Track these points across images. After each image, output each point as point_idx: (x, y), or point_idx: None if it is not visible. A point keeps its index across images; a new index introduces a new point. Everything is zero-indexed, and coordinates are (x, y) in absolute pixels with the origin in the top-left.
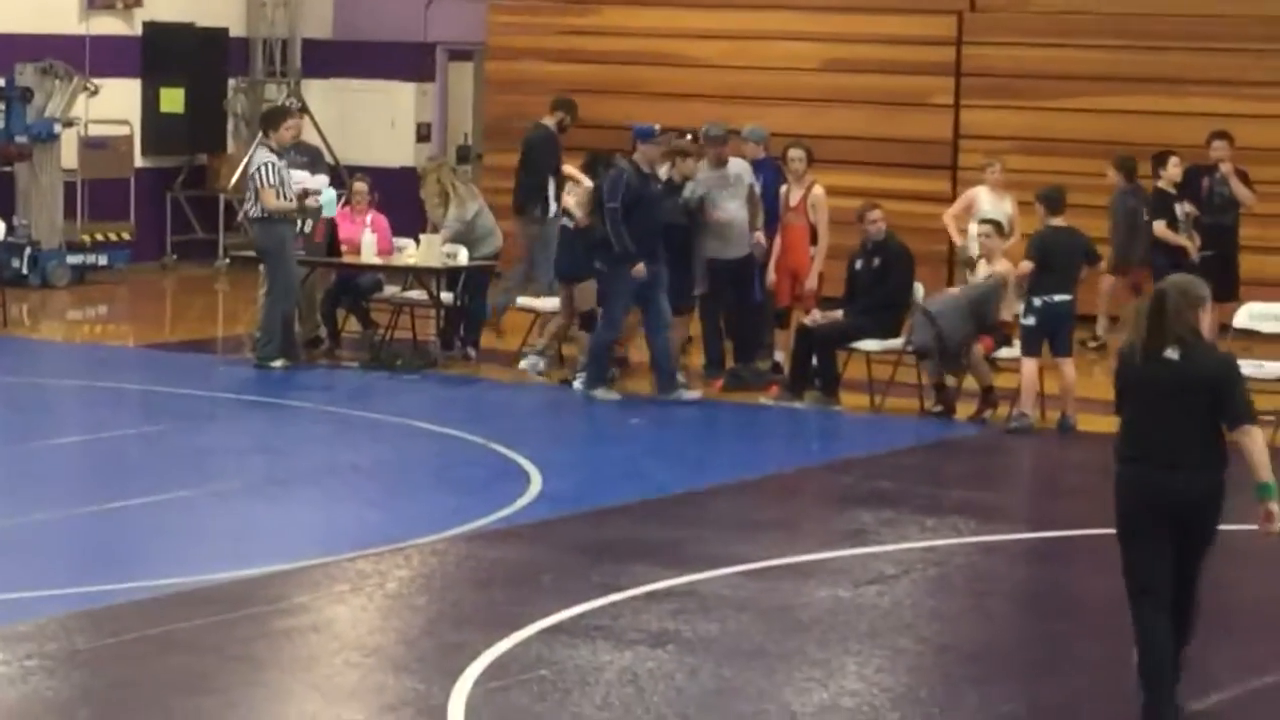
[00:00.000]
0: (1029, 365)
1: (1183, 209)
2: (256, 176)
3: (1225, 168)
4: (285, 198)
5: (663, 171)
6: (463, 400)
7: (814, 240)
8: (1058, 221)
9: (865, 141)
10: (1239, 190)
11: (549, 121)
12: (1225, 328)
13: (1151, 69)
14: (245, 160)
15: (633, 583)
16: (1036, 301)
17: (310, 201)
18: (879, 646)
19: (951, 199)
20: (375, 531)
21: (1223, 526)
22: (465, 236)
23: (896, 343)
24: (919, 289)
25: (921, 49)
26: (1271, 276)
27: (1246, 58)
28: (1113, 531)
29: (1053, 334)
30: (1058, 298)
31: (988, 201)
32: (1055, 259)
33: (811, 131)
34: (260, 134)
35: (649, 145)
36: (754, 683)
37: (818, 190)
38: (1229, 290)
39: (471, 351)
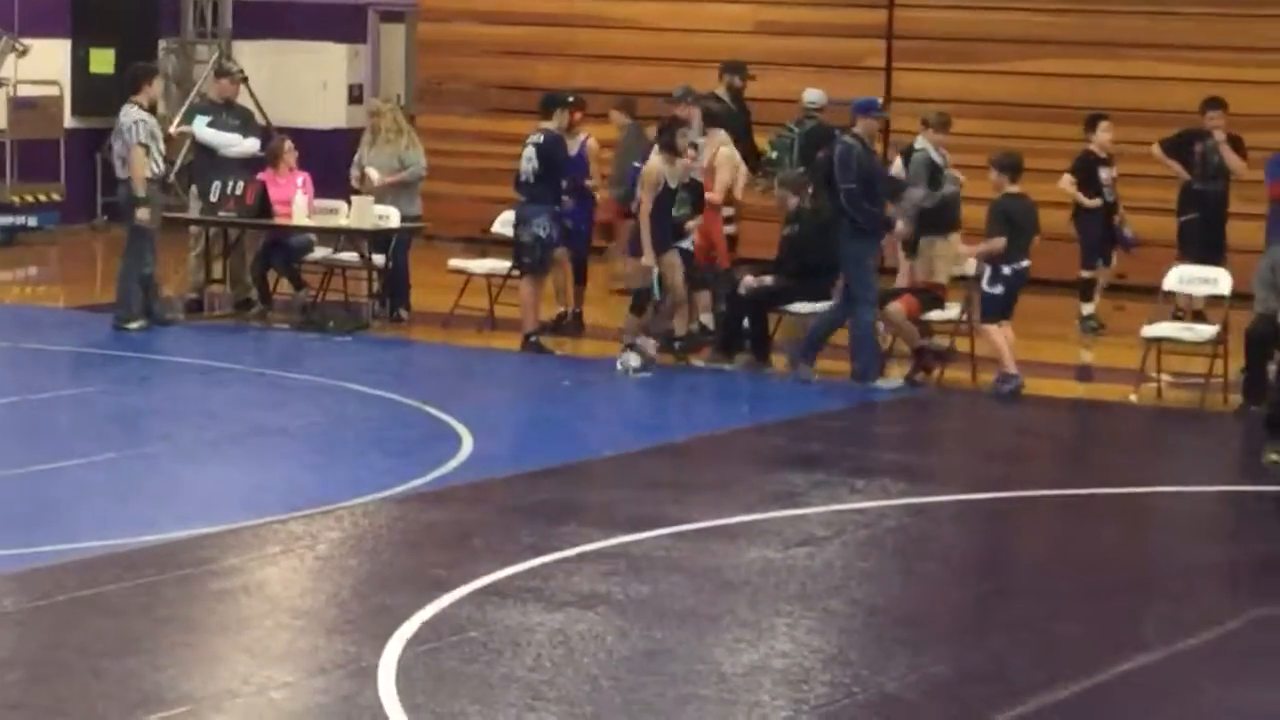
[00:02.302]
0: (998, 331)
1: (1110, 174)
2: (125, 137)
3: (1219, 135)
4: (156, 159)
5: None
6: (395, 362)
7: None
8: (1015, 188)
9: (797, 104)
10: (1230, 158)
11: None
12: (1091, 284)
13: (1085, 32)
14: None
15: (564, 544)
16: (1006, 270)
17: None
18: (809, 608)
19: (883, 161)
20: (306, 493)
21: (1147, 489)
22: (412, 187)
23: (825, 305)
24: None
25: (853, 11)
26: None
27: (1182, 21)
28: (1045, 493)
29: (1012, 300)
30: (1024, 264)
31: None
32: (1018, 226)
33: (746, 94)
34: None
35: (870, 119)
36: (684, 644)
37: (724, 151)
38: (1215, 255)
39: (403, 313)
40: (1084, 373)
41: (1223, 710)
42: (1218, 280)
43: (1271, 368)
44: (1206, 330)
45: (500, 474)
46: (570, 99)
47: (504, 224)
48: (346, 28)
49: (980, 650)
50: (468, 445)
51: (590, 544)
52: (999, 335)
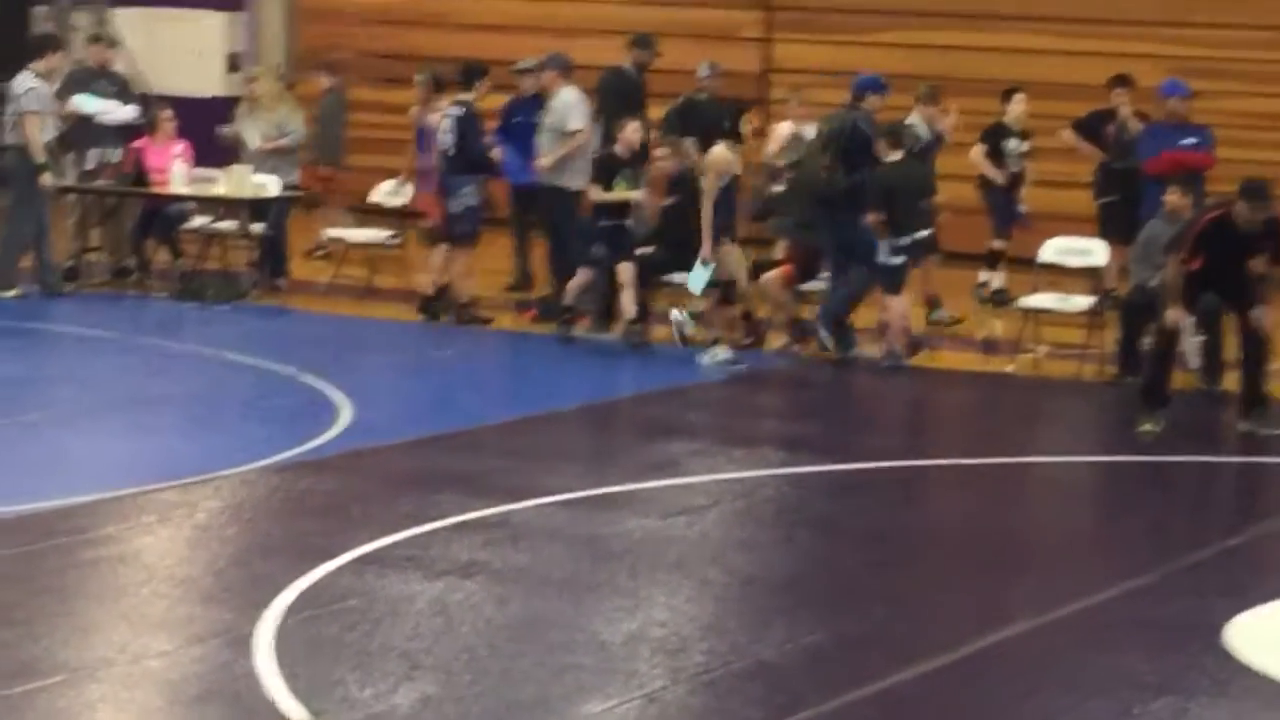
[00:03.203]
0: (899, 303)
1: (1018, 146)
2: (19, 104)
3: (1125, 111)
4: (49, 127)
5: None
6: (273, 331)
7: None
8: (894, 156)
9: (675, 74)
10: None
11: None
12: (999, 255)
13: (963, 4)
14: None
15: (443, 513)
16: (904, 240)
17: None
18: (687, 577)
19: (762, 133)
20: (184, 462)
21: (1025, 459)
22: (290, 155)
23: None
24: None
25: None
26: (1077, 211)
27: None
28: (922, 463)
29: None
30: (921, 234)
31: (786, 133)
32: (900, 196)
33: (624, 64)
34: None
35: (877, 96)
36: (563, 613)
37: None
38: (1135, 233)
39: (281, 282)
40: (970, 344)
41: (1095, 679)
42: (1094, 252)
43: (1146, 340)
44: (1082, 301)
45: (379, 443)
46: (485, 67)
47: (383, 194)
48: None
49: (857, 619)
50: (347, 414)
51: (469, 513)
52: (898, 307)
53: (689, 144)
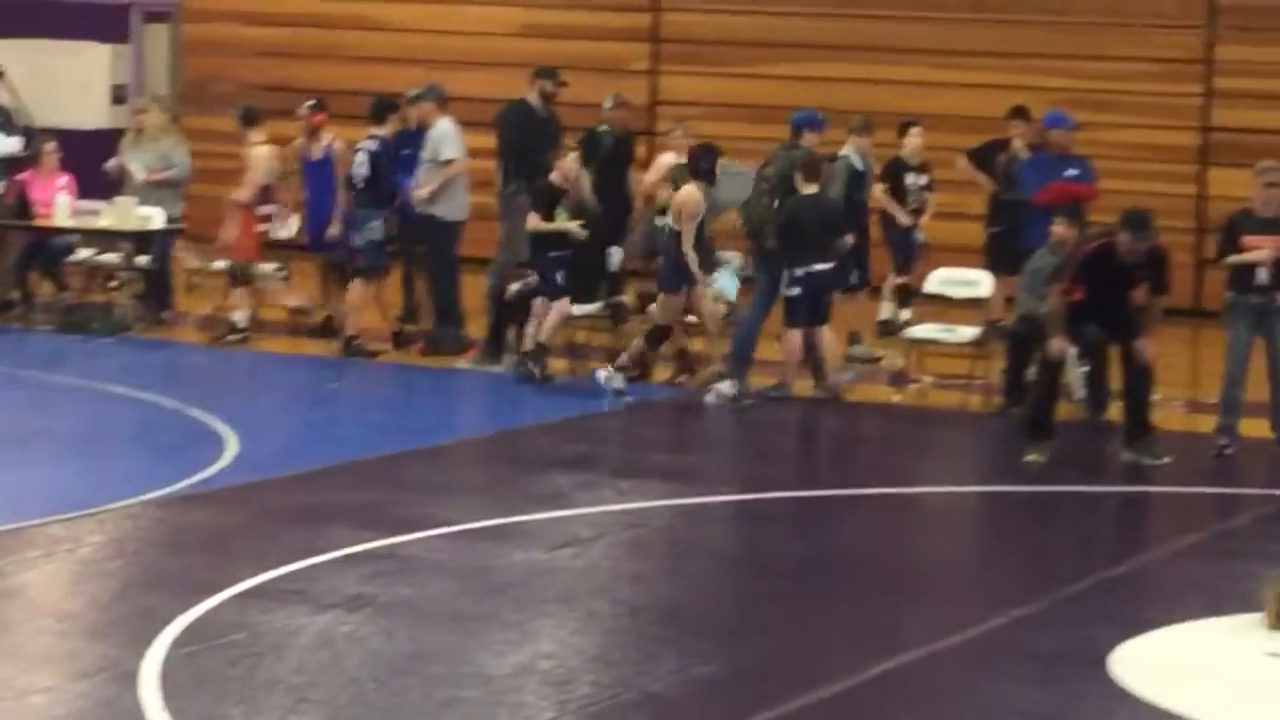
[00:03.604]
0: (794, 337)
1: (917, 180)
2: None
3: (1018, 144)
4: None
5: None
6: (158, 364)
7: None
8: (809, 189)
9: (564, 107)
10: None
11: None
12: (909, 290)
13: (851, 36)
14: None
15: (329, 546)
16: (799, 272)
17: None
18: (575, 609)
19: (647, 164)
20: (68, 496)
21: (912, 490)
22: (175, 188)
23: (593, 308)
24: (616, 253)
25: (619, 15)
26: (962, 242)
27: (947, 26)
28: (810, 494)
29: (815, 304)
30: (818, 268)
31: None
32: (803, 228)
33: (509, 96)
34: None
35: (814, 133)
36: (450, 645)
37: (336, 144)
38: (1021, 264)
39: (167, 315)
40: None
41: (984, 707)
42: (978, 283)
43: (1031, 370)
44: (968, 332)
45: (265, 476)
46: (396, 102)
47: (283, 226)
48: (109, 28)
49: (745, 650)
50: (233, 447)
51: (356, 546)
52: (790, 343)
53: (584, 177)
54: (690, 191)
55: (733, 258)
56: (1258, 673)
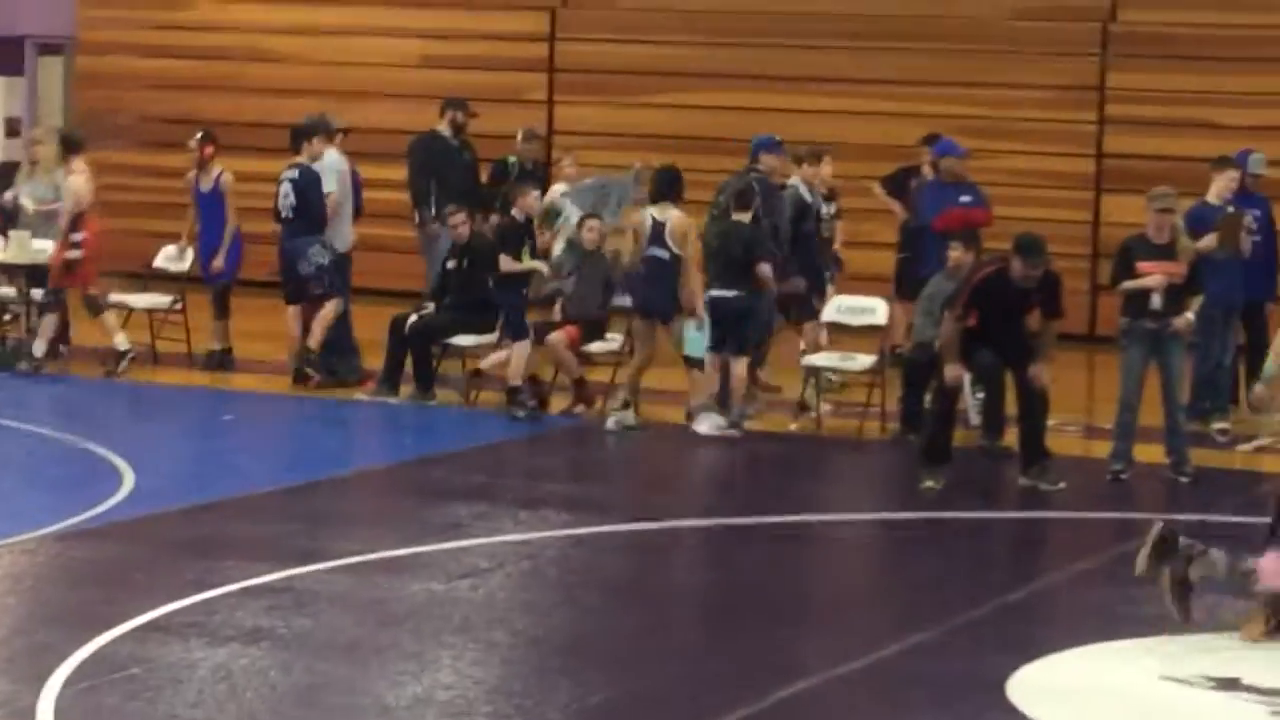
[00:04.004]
0: (710, 362)
1: (827, 209)
2: None
3: (927, 170)
4: None
5: None
6: (54, 398)
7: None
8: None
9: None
10: None
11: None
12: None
13: (743, 65)
14: None
15: (227, 579)
16: (706, 296)
17: None
18: (472, 639)
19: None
20: None
21: (810, 517)
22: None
23: (490, 338)
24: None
25: (516, 45)
26: (861, 270)
27: (839, 55)
28: (707, 522)
29: (726, 331)
30: (715, 293)
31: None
32: (716, 254)
33: (410, 127)
34: None
35: (772, 155)
36: (348, 677)
37: (225, 177)
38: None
39: (63, 349)
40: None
41: None
42: (875, 310)
43: (928, 396)
44: (864, 359)
45: (163, 509)
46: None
47: (166, 259)
48: (3, 60)
49: (642, 679)
50: (129, 481)
51: (254, 578)
52: (707, 369)
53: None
54: (683, 217)
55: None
56: (1154, 697)
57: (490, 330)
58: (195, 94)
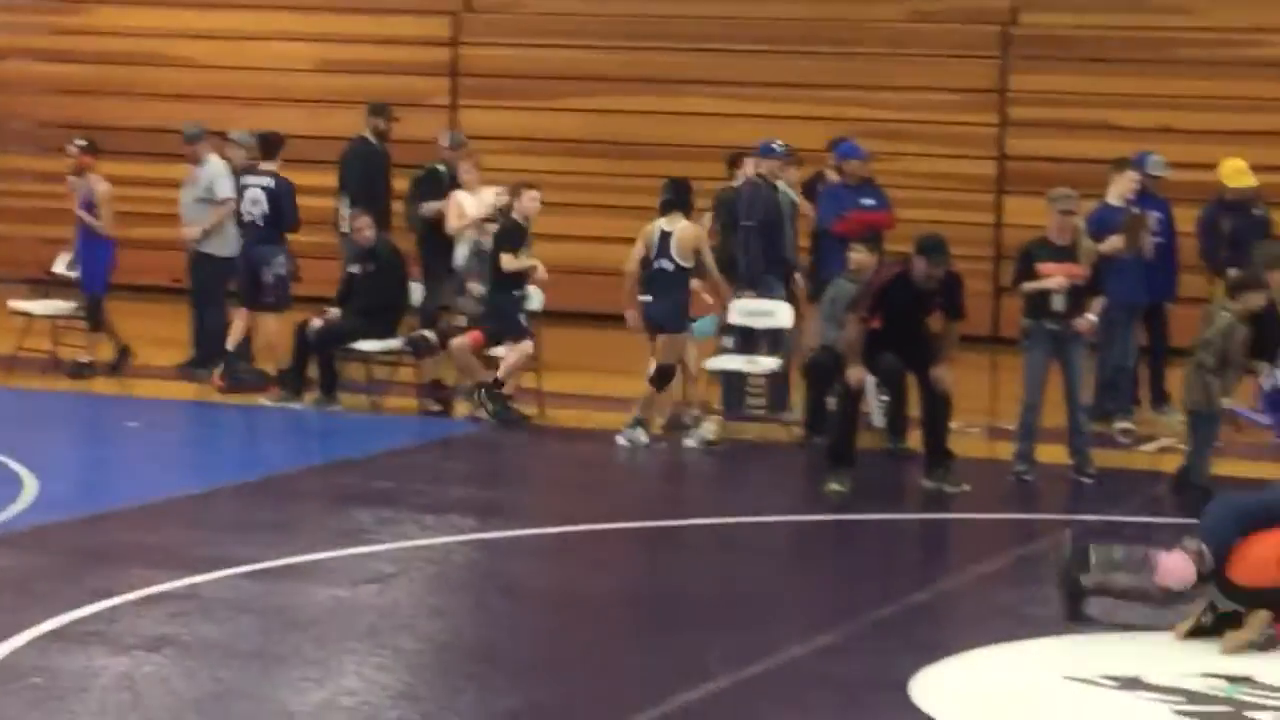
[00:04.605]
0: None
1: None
2: None
3: (831, 173)
4: None
5: None
6: None
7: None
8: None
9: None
10: None
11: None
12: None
13: (646, 69)
14: None
15: (130, 587)
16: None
17: None
18: (378, 645)
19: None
20: None
21: (716, 521)
22: None
23: (395, 343)
24: (418, 289)
25: (418, 49)
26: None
27: (751, 59)
28: (614, 526)
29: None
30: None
31: (469, 201)
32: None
33: (307, 132)
34: None
35: (770, 160)
36: (252, 684)
37: (101, 187)
38: None
39: None
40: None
41: None
42: (777, 314)
43: (831, 399)
44: (769, 363)
45: (65, 517)
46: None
47: (65, 264)
48: None
49: (550, 683)
50: (31, 489)
51: (157, 586)
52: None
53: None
54: (691, 227)
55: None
56: (1057, 697)
57: (394, 335)
58: (92, 99)
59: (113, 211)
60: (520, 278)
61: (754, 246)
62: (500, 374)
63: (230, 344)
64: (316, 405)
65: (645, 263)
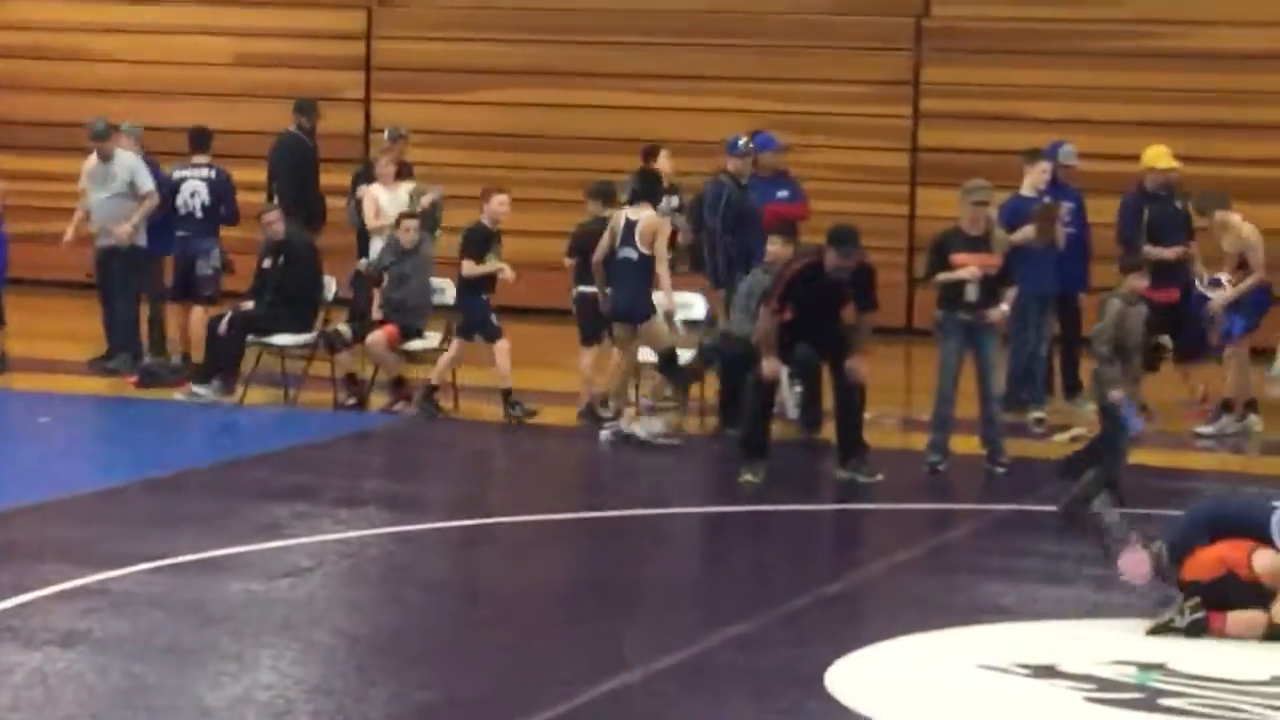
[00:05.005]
0: (582, 356)
1: (669, 203)
2: None
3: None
4: None
5: None
6: None
7: None
8: (604, 212)
9: (274, 136)
10: None
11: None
12: None
13: (558, 63)
14: None
15: (42, 583)
16: (574, 291)
17: None
18: (293, 639)
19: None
20: None
21: (630, 512)
22: None
23: (308, 337)
24: (332, 282)
25: (332, 43)
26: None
27: (660, 51)
28: (529, 518)
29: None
30: (582, 288)
31: (385, 196)
32: (588, 250)
33: (223, 126)
34: None
35: (735, 157)
36: (167, 679)
37: None
38: None
39: None
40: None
41: None
42: (693, 306)
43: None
44: (685, 354)
45: None
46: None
47: None
48: None
49: (465, 675)
50: None
51: (70, 581)
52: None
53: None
54: (654, 217)
55: None
56: (971, 685)
57: (308, 329)
58: (6, 93)
59: (3, 207)
60: (488, 281)
61: (720, 245)
62: (505, 379)
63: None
64: (216, 394)
65: (611, 253)
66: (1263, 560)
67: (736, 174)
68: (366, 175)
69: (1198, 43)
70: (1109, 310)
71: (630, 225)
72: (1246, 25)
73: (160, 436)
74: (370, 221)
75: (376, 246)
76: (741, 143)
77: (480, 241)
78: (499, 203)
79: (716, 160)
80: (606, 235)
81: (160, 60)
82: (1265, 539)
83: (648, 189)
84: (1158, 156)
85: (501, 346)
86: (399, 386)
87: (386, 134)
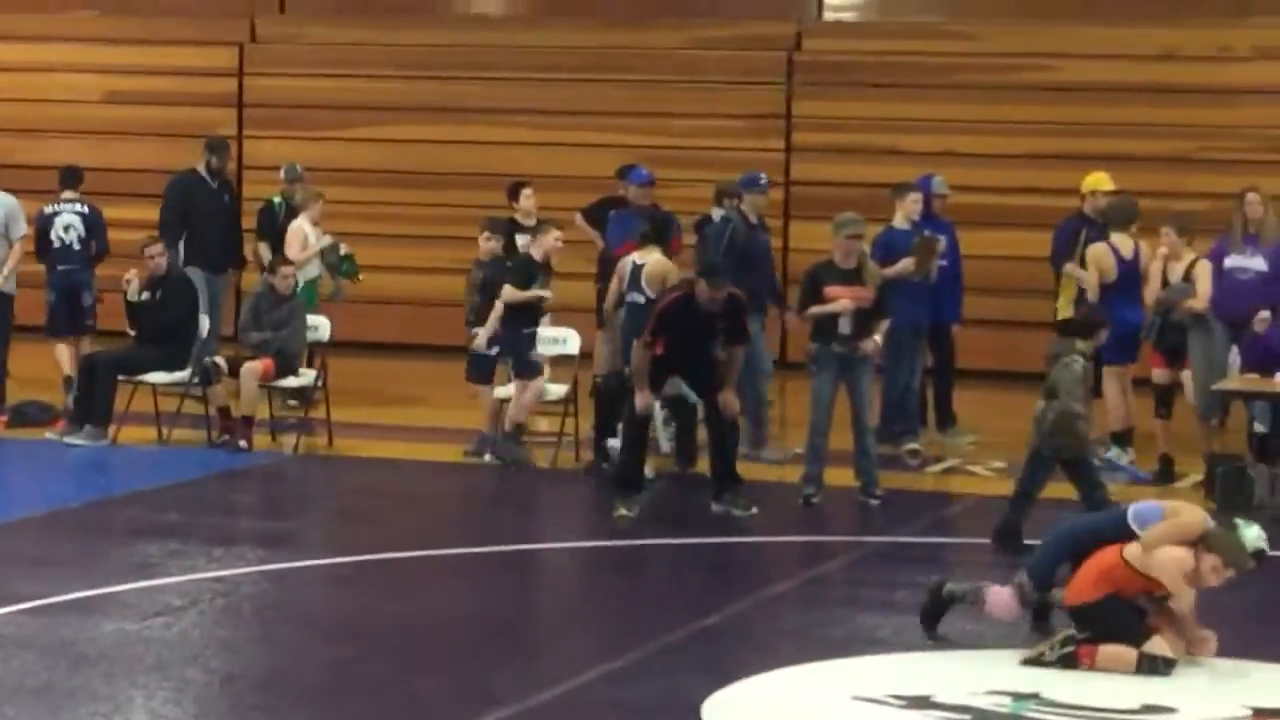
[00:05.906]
0: (483, 394)
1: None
2: None
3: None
4: None
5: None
6: None
7: None
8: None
9: (150, 174)
10: None
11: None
12: None
13: (432, 98)
14: None
15: None
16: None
17: None
18: (166, 678)
19: (254, 230)
20: None
21: (505, 548)
22: None
23: (182, 375)
24: (205, 321)
25: (204, 80)
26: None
27: (532, 87)
28: (403, 555)
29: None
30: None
31: (313, 233)
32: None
33: (95, 164)
34: None
35: (754, 194)
36: None
37: None
38: None
39: None
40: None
41: None
42: (567, 340)
43: (619, 426)
44: (556, 389)
45: None
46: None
47: None
48: None
49: (340, 713)
50: None
51: None
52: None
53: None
54: (662, 260)
55: None
56: (846, 717)
57: (183, 366)
58: None
59: None
60: (533, 313)
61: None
62: (514, 417)
63: (70, 371)
64: (88, 438)
65: (620, 297)
66: (1133, 551)
67: (752, 211)
68: (263, 213)
69: (1053, 76)
70: (1074, 371)
71: (637, 269)
72: (1098, 59)
73: (32, 476)
74: (296, 255)
75: (300, 279)
76: (763, 180)
77: (524, 272)
78: (553, 238)
79: (590, 194)
80: (614, 280)
81: (28, 98)
82: (1124, 538)
83: (657, 233)
84: (1100, 181)
85: (535, 386)
86: (228, 418)
87: (284, 172)
